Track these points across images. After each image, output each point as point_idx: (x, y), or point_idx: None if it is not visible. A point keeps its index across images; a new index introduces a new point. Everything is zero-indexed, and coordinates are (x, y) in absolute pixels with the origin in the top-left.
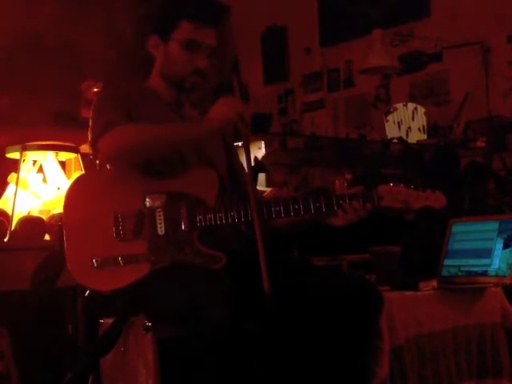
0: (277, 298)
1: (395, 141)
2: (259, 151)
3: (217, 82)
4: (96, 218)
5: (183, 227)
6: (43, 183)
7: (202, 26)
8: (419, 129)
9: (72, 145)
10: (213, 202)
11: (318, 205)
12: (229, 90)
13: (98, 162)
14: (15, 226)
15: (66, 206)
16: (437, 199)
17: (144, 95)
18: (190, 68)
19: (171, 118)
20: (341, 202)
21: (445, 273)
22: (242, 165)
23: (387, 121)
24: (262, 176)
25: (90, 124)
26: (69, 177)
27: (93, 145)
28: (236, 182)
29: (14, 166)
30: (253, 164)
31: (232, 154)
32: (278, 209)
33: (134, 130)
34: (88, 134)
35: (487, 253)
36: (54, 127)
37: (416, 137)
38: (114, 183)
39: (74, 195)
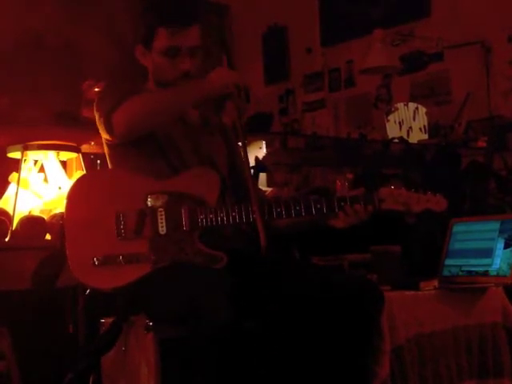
0: (277, 298)
1: (396, 141)
2: (260, 151)
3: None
4: (98, 217)
5: (184, 227)
6: (44, 183)
7: (177, 30)
8: (420, 129)
9: (73, 144)
10: (214, 202)
11: (318, 206)
12: None
13: (107, 142)
14: (16, 226)
15: (67, 205)
16: (438, 202)
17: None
18: (177, 73)
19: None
20: (342, 204)
21: (446, 272)
22: (244, 164)
23: (388, 121)
24: (262, 176)
25: (98, 104)
26: (70, 176)
27: (106, 121)
28: (238, 181)
29: (15, 165)
30: (254, 164)
31: (234, 154)
32: (279, 210)
33: (144, 99)
34: (96, 113)
35: (488, 253)
36: (55, 127)
37: (417, 137)
38: (115, 183)
39: (76, 194)
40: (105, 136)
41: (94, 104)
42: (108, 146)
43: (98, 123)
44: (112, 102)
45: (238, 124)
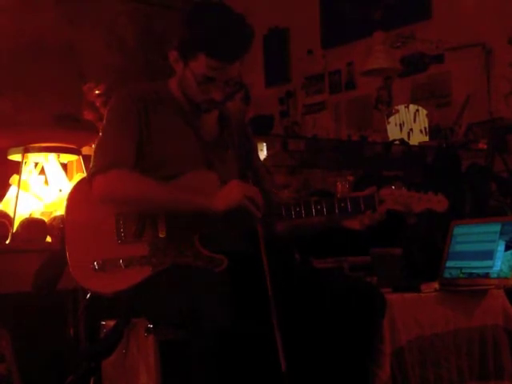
0: (278, 301)
1: (397, 143)
2: (261, 153)
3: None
4: (97, 220)
5: (184, 230)
6: (45, 185)
7: (219, 65)
8: (421, 131)
9: (74, 147)
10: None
11: (318, 207)
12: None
13: None
14: (17, 228)
15: (67, 209)
16: (439, 202)
17: (160, 99)
18: (205, 98)
19: (182, 130)
20: (342, 205)
21: (446, 275)
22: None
23: (389, 123)
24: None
25: (95, 150)
26: (70, 179)
27: (89, 178)
28: None
29: (16, 167)
30: None
31: (246, 169)
32: (279, 212)
33: (132, 182)
34: (92, 158)
35: (489, 255)
36: (56, 129)
37: (418, 139)
38: None
39: (76, 198)
40: None
41: (100, 132)
42: None
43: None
44: (102, 162)
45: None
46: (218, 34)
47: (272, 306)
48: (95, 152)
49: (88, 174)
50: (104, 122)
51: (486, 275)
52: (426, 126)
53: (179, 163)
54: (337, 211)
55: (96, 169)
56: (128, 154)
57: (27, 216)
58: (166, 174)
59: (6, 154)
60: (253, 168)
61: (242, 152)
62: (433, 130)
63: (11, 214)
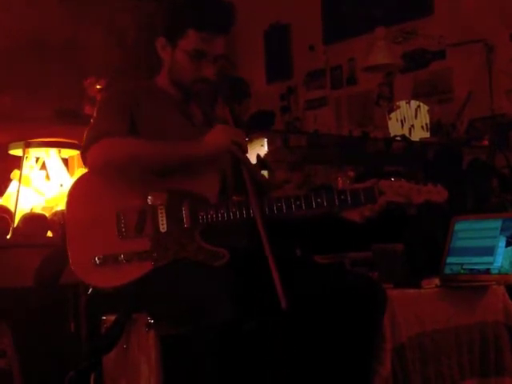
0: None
1: (398, 139)
2: (262, 149)
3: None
4: (98, 216)
5: (185, 224)
6: (46, 180)
7: (209, 36)
8: (422, 127)
9: (75, 142)
10: (214, 199)
11: (319, 200)
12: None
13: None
14: (18, 223)
15: (68, 205)
16: (439, 193)
17: (151, 94)
18: (197, 76)
19: (176, 119)
20: (342, 197)
21: (447, 271)
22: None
23: (390, 118)
24: (264, 174)
25: (86, 131)
26: (72, 174)
27: (82, 153)
28: (241, 177)
29: (17, 162)
30: (255, 162)
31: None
32: (279, 205)
33: (124, 144)
34: (84, 137)
35: (490, 251)
36: (57, 124)
37: (419, 135)
38: (116, 182)
39: (77, 194)
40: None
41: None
42: None
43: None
44: (94, 134)
45: (246, 173)
46: (204, 6)
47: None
48: (87, 131)
49: (81, 152)
50: (94, 112)
51: (487, 271)
52: (428, 122)
53: None
54: (337, 203)
55: (88, 142)
56: (120, 125)
57: (28, 211)
58: None
59: (7, 149)
60: None
61: None
62: (434, 126)
63: (12, 209)
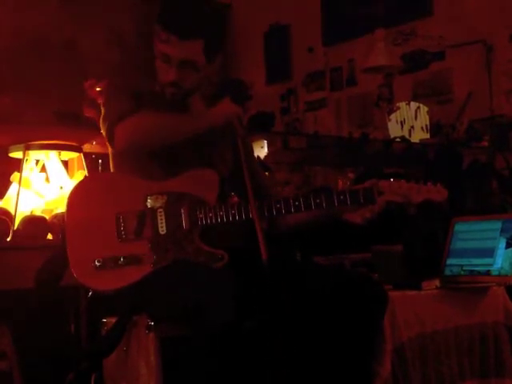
0: (279, 298)
1: (398, 140)
2: (262, 150)
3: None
4: (98, 219)
5: (184, 226)
6: (46, 182)
7: (172, 39)
8: (422, 128)
9: (75, 144)
10: (213, 201)
11: (318, 201)
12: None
13: (111, 150)
14: (18, 226)
15: (68, 208)
16: (438, 192)
17: (148, 94)
18: (165, 80)
19: None
20: (341, 198)
21: (447, 272)
22: (253, 164)
23: (390, 120)
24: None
25: (103, 112)
26: (72, 176)
27: (109, 132)
28: (241, 180)
29: (17, 165)
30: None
31: (238, 153)
32: (278, 206)
33: (147, 119)
34: (101, 121)
35: (490, 252)
36: (57, 126)
37: (419, 136)
38: (115, 185)
39: (77, 197)
40: (107, 143)
41: (101, 107)
42: None
43: (102, 129)
44: (117, 113)
45: (242, 146)
46: (172, 6)
47: (272, 303)
48: (103, 115)
49: (107, 132)
50: (102, 100)
51: (487, 272)
52: (427, 123)
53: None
54: (336, 204)
55: (113, 122)
56: (132, 104)
57: (28, 213)
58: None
59: (7, 152)
60: None
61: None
62: (434, 127)
63: (12, 212)
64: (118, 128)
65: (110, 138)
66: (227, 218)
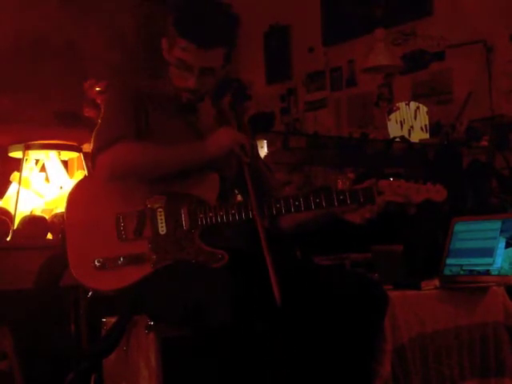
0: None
1: (398, 140)
2: (261, 150)
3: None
4: (98, 219)
5: (184, 226)
6: (46, 182)
7: (192, 47)
8: (421, 128)
9: (74, 144)
10: (214, 201)
11: (317, 201)
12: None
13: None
14: (18, 225)
15: (68, 208)
16: (438, 192)
17: (154, 96)
18: (182, 85)
19: (179, 127)
20: (341, 197)
21: (447, 272)
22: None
23: (390, 120)
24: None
25: (95, 133)
26: (71, 176)
27: (92, 157)
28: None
29: (17, 165)
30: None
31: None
32: (278, 205)
33: (129, 153)
34: (91, 141)
35: (490, 252)
36: (57, 126)
37: (418, 136)
38: (115, 185)
39: (77, 197)
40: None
41: (99, 117)
42: None
43: (91, 142)
44: (104, 139)
45: (248, 175)
46: (193, 16)
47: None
48: (94, 135)
49: (91, 156)
50: (101, 111)
51: (487, 272)
52: (427, 123)
53: None
54: (336, 204)
55: (98, 148)
56: (128, 130)
57: (28, 213)
58: None
59: (6, 151)
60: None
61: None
62: (434, 128)
63: (12, 211)
64: (101, 156)
65: (93, 164)
66: (227, 218)
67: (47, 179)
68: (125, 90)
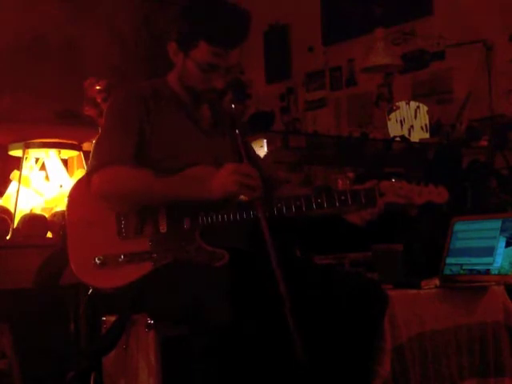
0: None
1: (398, 139)
2: (261, 150)
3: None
4: (98, 216)
5: (185, 225)
6: (46, 181)
7: (221, 50)
8: (422, 127)
9: (74, 142)
10: (215, 200)
11: (319, 201)
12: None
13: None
14: (17, 224)
15: (69, 206)
16: (439, 194)
17: (160, 96)
18: (207, 86)
19: (185, 124)
20: (342, 198)
21: (447, 271)
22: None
23: (389, 119)
24: None
25: (94, 146)
26: (71, 174)
27: (88, 175)
28: None
29: (17, 163)
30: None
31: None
32: (279, 205)
33: (126, 178)
34: (91, 154)
35: (489, 251)
36: (57, 125)
37: (418, 135)
38: None
39: (77, 195)
40: None
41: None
42: None
43: (91, 154)
44: (100, 159)
45: (259, 214)
46: (218, 19)
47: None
48: (93, 150)
49: (86, 173)
50: (103, 121)
51: (487, 272)
52: (427, 122)
53: (184, 157)
54: (337, 204)
55: (92, 167)
56: (126, 152)
57: (28, 212)
58: (171, 167)
59: (6, 150)
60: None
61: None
62: (433, 127)
63: (12, 210)
64: (97, 174)
65: (88, 180)
66: (228, 217)
67: (47, 178)
68: (127, 97)
